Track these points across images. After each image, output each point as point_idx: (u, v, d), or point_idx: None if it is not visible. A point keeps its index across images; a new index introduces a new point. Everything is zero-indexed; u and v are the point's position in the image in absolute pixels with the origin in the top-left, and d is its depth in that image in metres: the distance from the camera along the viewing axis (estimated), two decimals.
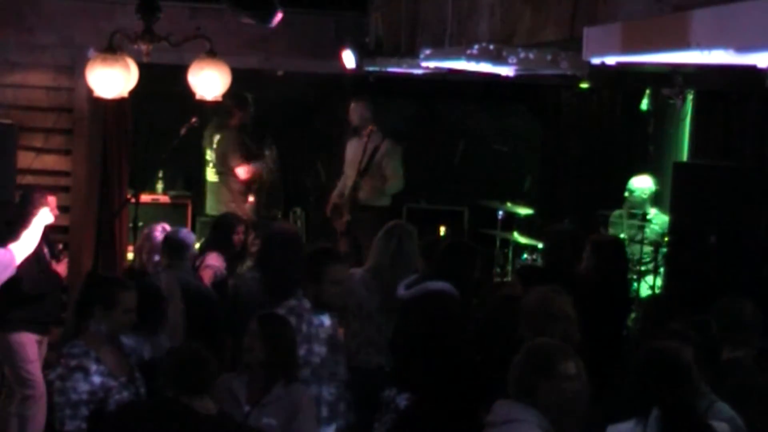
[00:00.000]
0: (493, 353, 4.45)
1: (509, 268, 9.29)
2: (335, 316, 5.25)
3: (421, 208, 10.39)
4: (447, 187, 10.74)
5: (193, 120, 7.77)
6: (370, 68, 7.88)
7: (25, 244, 6.43)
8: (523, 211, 9.54)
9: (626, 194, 8.47)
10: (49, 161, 8.13)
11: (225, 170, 9.22)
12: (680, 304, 5.47)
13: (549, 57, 4.55)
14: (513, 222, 9.54)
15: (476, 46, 4.56)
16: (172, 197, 9.99)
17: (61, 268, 6.95)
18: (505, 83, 6.85)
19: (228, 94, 6.92)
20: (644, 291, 7.98)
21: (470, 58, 4.57)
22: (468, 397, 4.16)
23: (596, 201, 9.40)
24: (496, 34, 5.03)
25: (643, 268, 8.12)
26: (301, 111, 10.67)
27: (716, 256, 6.78)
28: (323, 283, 5.05)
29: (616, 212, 8.64)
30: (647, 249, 8.07)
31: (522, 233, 9.30)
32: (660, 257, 7.81)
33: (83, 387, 4.50)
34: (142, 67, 6.62)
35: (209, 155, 9.43)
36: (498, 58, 4.53)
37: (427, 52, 5.50)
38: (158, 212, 9.14)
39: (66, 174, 8.15)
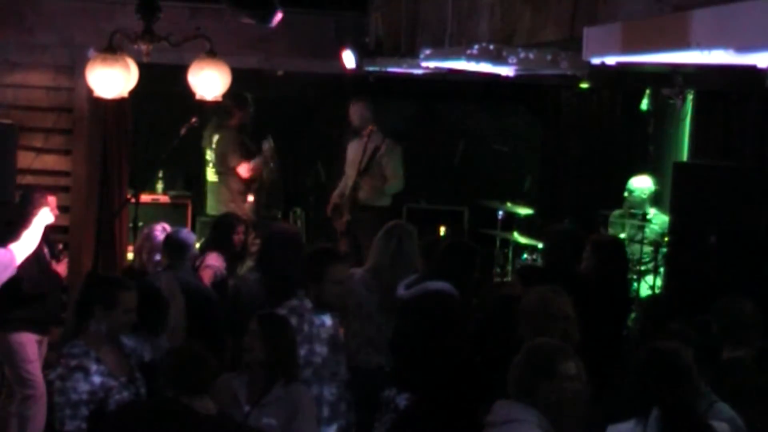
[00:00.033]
0: (493, 353, 4.45)
1: (509, 268, 9.29)
2: (336, 316, 5.25)
3: (421, 208, 10.39)
4: (447, 187, 10.74)
5: (193, 120, 7.77)
6: (370, 68, 7.88)
7: (26, 244, 6.43)
8: (523, 211, 9.54)
9: (626, 194, 8.47)
10: (49, 161, 8.13)
11: (224, 170, 9.22)
12: (680, 304, 5.48)
13: (549, 57, 4.55)
14: (513, 222, 9.54)
15: (476, 46, 4.56)
16: (172, 197, 9.99)
17: (61, 268, 6.95)
18: (505, 83, 6.85)
19: (228, 94, 6.92)
20: (644, 291, 7.99)
21: (470, 58, 4.57)
22: (468, 397, 4.16)
23: (596, 201, 9.40)
24: (496, 34, 5.04)
25: (643, 268, 8.12)
26: (301, 111, 10.67)
27: (716, 256, 6.78)
28: (324, 282, 5.05)
29: (616, 212, 8.65)
30: (647, 249, 8.07)
31: (522, 233, 9.30)
32: (660, 257, 7.82)
33: (83, 387, 4.50)
34: (142, 67, 6.62)
35: (209, 155, 9.43)
36: (498, 58, 4.53)
37: (427, 52, 5.50)
38: (158, 212, 9.13)
39: (66, 174, 8.15)
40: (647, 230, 8.16)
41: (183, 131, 7.76)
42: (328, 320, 5.13)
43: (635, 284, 7.99)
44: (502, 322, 4.68)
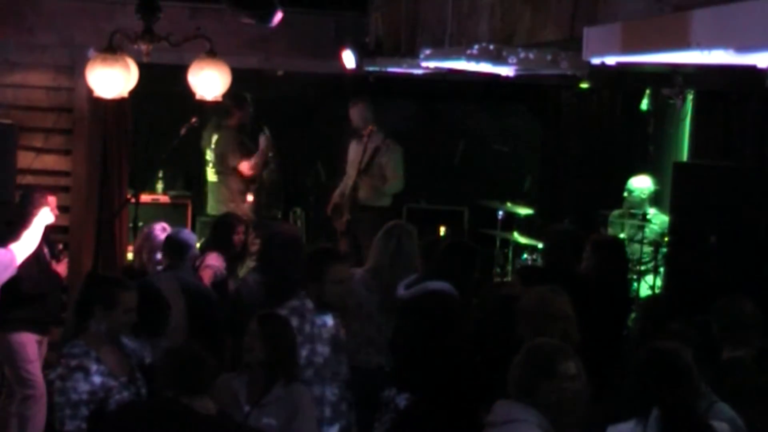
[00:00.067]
0: (493, 353, 4.45)
1: (509, 268, 9.29)
2: (337, 316, 5.25)
3: (421, 208, 10.39)
4: (447, 187, 10.74)
5: (193, 120, 7.77)
6: (370, 68, 7.87)
7: (26, 244, 6.43)
8: (523, 211, 9.54)
9: (625, 194, 8.47)
10: (49, 161, 8.13)
11: (224, 170, 9.22)
12: (680, 304, 5.47)
13: (549, 57, 4.55)
14: (513, 222, 9.54)
15: (476, 46, 4.56)
16: (172, 197, 9.99)
17: (61, 268, 6.95)
18: (505, 83, 6.85)
19: (227, 94, 6.92)
20: (644, 291, 7.98)
21: (470, 58, 4.58)
22: (468, 397, 4.16)
23: (596, 201, 9.40)
24: (496, 34, 5.04)
25: (643, 268, 8.12)
26: (301, 111, 10.67)
27: (716, 256, 6.78)
28: (325, 282, 5.05)
29: (615, 212, 8.65)
30: (647, 249, 8.07)
31: (522, 233, 9.30)
32: (660, 257, 7.82)
33: (83, 387, 4.50)
34: (142, 67, 6.62)
35: (209, 155, 9.43)
36: (498, 58, 4.53)
37: (427, 52, 5.50)
38: (158, 212, 9.13)
39: (66, 174, 8.15)
40: (647, 230, 8.16)
41: (183, 131, 7.76)
42: (329, 320, 5.13)
43: (635, 284, 7.99)
44: (502, 322, 4.68)
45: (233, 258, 6.96)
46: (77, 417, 4.47)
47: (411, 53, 6.58)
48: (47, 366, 6.65)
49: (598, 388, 3.76)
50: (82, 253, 8.00)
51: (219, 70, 6.58)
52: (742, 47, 2.28)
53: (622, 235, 8.22)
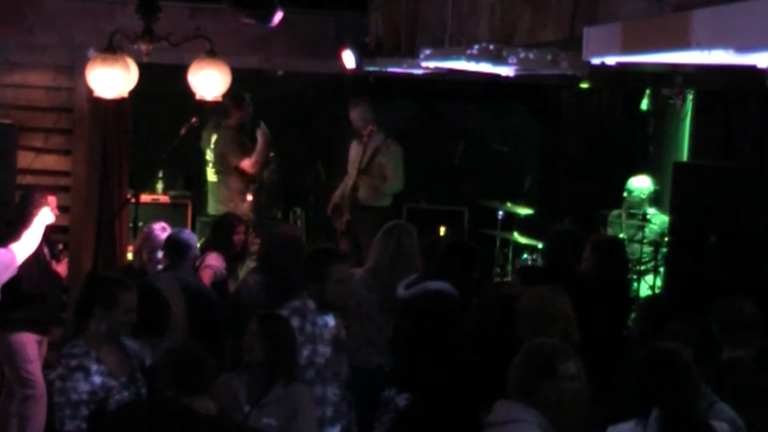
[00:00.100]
0: (493, 353, 4.45)
1: (509, 268, 9.29)
2: (338, 316, 5.25)
3: (421, 208, 10.39)
4: (447, 187, 10.74)
5: (193, 120, 7.77)
6: (370, 68, 7.88)
7: (26, 244, 6.43)
8: (523, 211, 9.54)
9: (625, 194, 8.48)
10: (49, 161, 8.13)
11: (224, 170, 9.22)
12: (680, 304, 5.47)
13: (549, 57, 4.55)
14: (513, 222, 9.54)
15: (476, 46, 4.56)
16: (172, 197, 9.99)
17: (61, 268, 6.96)
18: (505, 83, 6.85)
19: (227, 94, 6.92)
20: (644, 291, 7.98)
21: (470, 58, 4.57)
22: (468, 397, 4.16)
23: (596, 201, 9.40)
24: (496, 34, 5.04)
25: (643, 268, 8.12)
26: (301, 111, 10.67)
27: (716, 256, 6.78)
28: (326, 282, 5.05)
29: (615, 212, 8.65)
30: (647, 249, 8.07)
31: (522, 233, 9.30)
32: (660, 257, 7.82)
33: (83, 387, 4.50)
34: (142, 67, 6.63)
35: (209, 155, 9.43)
36: (498, 58, 4.53)
37: (427, 52, 5.50)
38: (158, 212, 9.12)
39: (66, 174, 8.15)
40: (647, 230, 8.16)
41: (183, 131, 7.77)
42: (331, 320, 5.12)
43: (635, 284, 7.99)
44: (502, 322, 4.68)
45: (233, 258, 6.96)
46: (77, 417, 4.47)
47: (411, 53, 6.58)
48: (47, 366, 6.66)
49: (598, 388, 3.76)
50: (82, 253, 8.00)
51: (219, 70, 6.58)
52: (742, 47, 2.28)
53: (622, 235, 8.22)
